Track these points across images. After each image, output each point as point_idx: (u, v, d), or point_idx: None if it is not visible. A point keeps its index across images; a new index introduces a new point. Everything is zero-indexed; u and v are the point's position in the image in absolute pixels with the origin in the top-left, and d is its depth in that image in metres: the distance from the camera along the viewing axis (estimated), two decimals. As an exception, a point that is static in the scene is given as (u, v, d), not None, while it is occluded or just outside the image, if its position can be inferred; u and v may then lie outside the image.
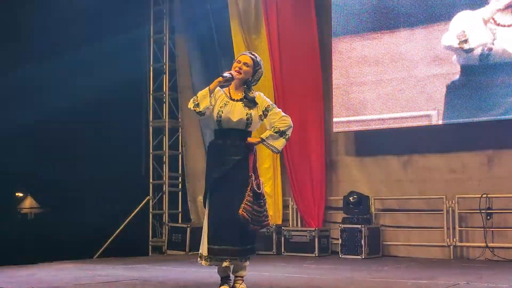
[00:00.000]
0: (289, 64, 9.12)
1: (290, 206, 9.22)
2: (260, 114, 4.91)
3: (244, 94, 4.92)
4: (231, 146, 4.83)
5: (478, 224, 7.78)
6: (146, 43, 10.30)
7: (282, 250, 8.69)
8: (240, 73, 4.88)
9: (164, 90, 10.31)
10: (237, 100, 4.89)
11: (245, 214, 4.69)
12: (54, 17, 8.57)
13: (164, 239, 9.79)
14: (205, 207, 4.87)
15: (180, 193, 10.31)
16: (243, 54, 5.03)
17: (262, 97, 4.99)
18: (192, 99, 4.83)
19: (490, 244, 7.67)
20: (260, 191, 4.79)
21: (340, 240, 8.22)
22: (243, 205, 4.69)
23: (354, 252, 8.04)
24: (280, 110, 5.01)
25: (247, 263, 4.89)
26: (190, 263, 7.85)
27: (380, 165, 8.63)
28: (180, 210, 10.26)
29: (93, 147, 9.02)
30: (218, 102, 4.89)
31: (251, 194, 4.74)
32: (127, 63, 9.37)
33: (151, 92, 10.27)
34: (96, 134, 9.08)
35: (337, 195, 8.77)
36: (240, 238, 4.75)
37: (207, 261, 4.76)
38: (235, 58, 5.06)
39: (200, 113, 4.82)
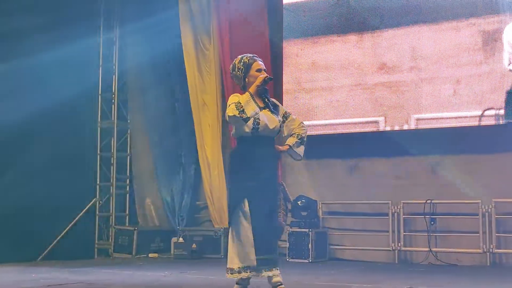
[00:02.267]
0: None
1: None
2: (281, 121, 4.88)
3: (267, 101, 4.82)
4: (266, 154, 4.74)
5: (422, 229, 7.94)
6: (96, 44, 10.14)
7: (230, 253, 8.68)
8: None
9: (113, 91, 10.18)
10: (263, 108, 4.78)
11: (283, 224, 4.74)
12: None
13: (110, 241, 9.66)
14: (231, 216, 4.67)
15: (127, 195, 10.20)
16: (256, 61, 4.88)
17: (279, 104, 4.98)
18: (234, 105, 4.63)
19: (434, 249, 7.84)
20: (291, 201, 4.90)
21: (287, 243, 8.28)
22: (281, 214, 4.71)
23: (301, 255, 8.10)
24: (296, 116, 5.04)
25: None
26: (137, 266, 7.78)
27: (327, 170, 8.73)
28: (127, 212, 10.14)
29: (39, 148, 8.82)
30: (253, 108, 4.72)
31: (283, 203, 4.78)
32: (77, 64, 9.25)
33: (99, 93, 10.13)
34: (42, 136, 8.88)
35: (285, 199, 8.81)
36: (275, 245, 4.75)
37: (246, 272, 4.57)
38: (242, 64, 4.86)
39: (247, 119, 4.64)
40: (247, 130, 4.68)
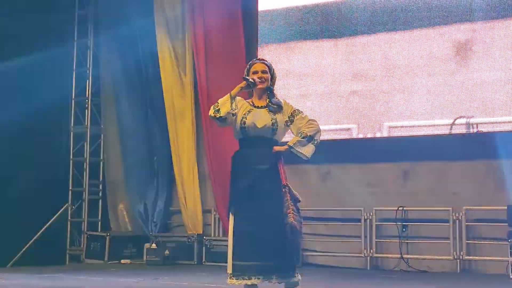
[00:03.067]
0: (215, 73, 9.15)
1: (212, 216, 9.22)
2: (286, 120, 4.64)
3: (268, 100, 4.65)
4: (258, 155, 4.54)
5: (394, 236, 8.01)
6: (70, 48, 10.06)
7: (203, 259, 8.67)
8: (263, 82, 4.64)
9: (87, 96, 10.11)
10: (261, 107, 4.63)
11: (296, 224, 4.39)
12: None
13: (82, 247, 9.58)
14: (228, 220, 4.53)
15: (100, 201, 10.12)
16: (256, 63, 4.73)
17: (287, 103, 4.73)
18: (213, 106, 4.54)
19: (405, 256, 7.91)
20: (300, 201, 4.54)
21: (260, 250, 8.27)
22: (291, 214, 4.41)
23: (274, 261, 8.09)
24: (307, 114, 4.73)
25: (297, 277, 4.51)
26: (109, 272, 7.72)
27: (300, 176, 8.74)
28: (99, 218, 10.05)
29: (10, 151, 8.74)
30: (242, 110, 4.61)
31: (292, 203, 4.47)
32: (51, 69, 9.18)
33: (73, 97, 10.05)
34: (14, 138, 8.79)
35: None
36: (276, 252, 4.42)
37: (232, 279, 4.38)
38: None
39: (221, 119, 4.50)
40: (236, 131, 4.60)
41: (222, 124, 4.61)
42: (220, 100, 4.58)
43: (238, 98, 4.67)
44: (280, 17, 8.78)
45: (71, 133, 10.02)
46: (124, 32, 9.79)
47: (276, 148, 4.59)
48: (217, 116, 4.54)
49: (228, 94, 4.61)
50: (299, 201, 4.58)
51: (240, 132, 4.59)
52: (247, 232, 4.43)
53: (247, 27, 9.13)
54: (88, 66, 10.16)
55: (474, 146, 7.77)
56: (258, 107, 4.64)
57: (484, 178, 7.74)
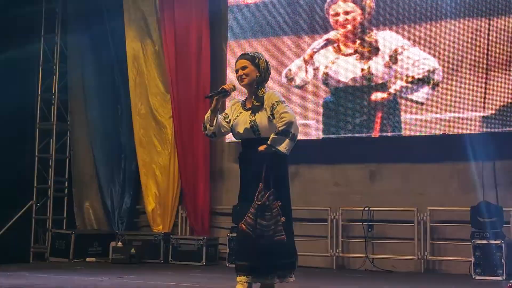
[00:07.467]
0: (183, 71, 9.11)
1: (179, 214, 9.20)
2: (269, 116, 4.50)
3: (253, 98, 4.58)
4: (248, 157, 4.58)
5: (360, 236, 8.09)
6: (37, 44, 9.92)
7: (170, 258, 8.64)
8: (243, 79, 4.59)
9: (53, 92, 9.99)
10: (248, 109, 4.58)
11: (244, 227, 4.46)
12: None
13: (47, 245, 9.46)
14: None
15: (65, 198, 10.00)
16: (238, 59, 4.64)
17: (270, 95, 4.53)
18: (203, 123, 4.69)
19: (370, 255, 7.99)
20: (260, 203, 4.41)
21: (227, 249, 8.28)
22: (245, 217, 4.45)
23: (240, 261, 8.10)
24: (284, 105, 4.47)
25: (274, 280, 4.61)
26: (73, 271, 7.65)
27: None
28: (65, 216, 9.94)
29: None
30: (234, 115, 4.62)
31: (255, 206, 4.44)
32: (17, 63, 9.05)
33: (39, 93, 9.92)
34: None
35: (226, 204, 8.83)
36: (252, 254, 4.48)
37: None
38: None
39: (210, 136, 4.68)
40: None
41: (219, 137, 4.82)
42: (205, 117, 4.69)
43: (234, 101, 4.75)
44: (249, 12, 8.79)
45: (37, 129, 9.89)
46: (94, 29, 9.69)
47: (260, 148, 4.48)
48: (205, 133, 4.70)
49: (209, 109, 4.67)
50: (258, 203, 4.45)
51: (234, 137, 4.69)
52: (237, 233, 4.64)
53: (216, 22, 9.12)
54: (55, 62, 10.04)
55: (440, 148, 7.87)
56: (246, 109, 4.64)
57: (449, 180, 7.86)
